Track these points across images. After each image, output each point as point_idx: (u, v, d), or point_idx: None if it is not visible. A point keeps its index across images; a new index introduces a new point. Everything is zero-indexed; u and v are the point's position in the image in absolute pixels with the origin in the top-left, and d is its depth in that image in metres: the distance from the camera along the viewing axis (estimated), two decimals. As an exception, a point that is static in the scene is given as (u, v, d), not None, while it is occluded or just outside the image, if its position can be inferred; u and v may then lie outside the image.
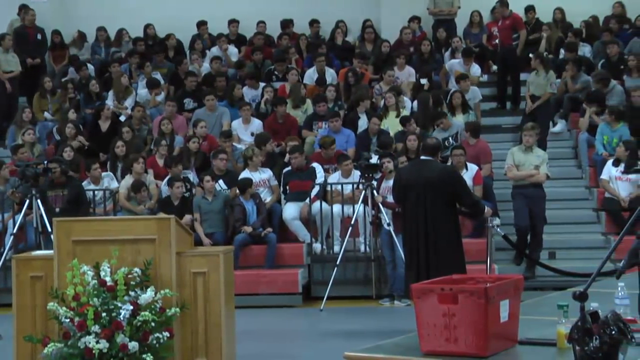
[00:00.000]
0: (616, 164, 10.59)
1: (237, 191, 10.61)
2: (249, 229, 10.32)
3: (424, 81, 13.17)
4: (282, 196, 11.01)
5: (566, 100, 12.81)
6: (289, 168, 11.06)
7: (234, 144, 11.90)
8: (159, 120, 12.34)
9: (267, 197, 10.84)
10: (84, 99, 13.76)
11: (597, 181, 11.16)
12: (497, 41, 14.21)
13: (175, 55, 15.01)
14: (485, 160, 11.10)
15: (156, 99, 13.49)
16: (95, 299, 5.40)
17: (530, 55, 13.39)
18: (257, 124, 12.38)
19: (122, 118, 13.18)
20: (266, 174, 11.01)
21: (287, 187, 10.94)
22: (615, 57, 13.40)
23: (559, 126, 12.92)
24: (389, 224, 9.51)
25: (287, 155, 11.27)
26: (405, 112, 12.29)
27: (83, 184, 11.02)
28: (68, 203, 10.20)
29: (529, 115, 12.38)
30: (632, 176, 10.42)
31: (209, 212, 10.50)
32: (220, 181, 10.90)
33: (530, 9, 14.89)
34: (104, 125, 12.71)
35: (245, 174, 10.92)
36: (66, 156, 11.37)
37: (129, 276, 5.51)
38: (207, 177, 10.56)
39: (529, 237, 10.20)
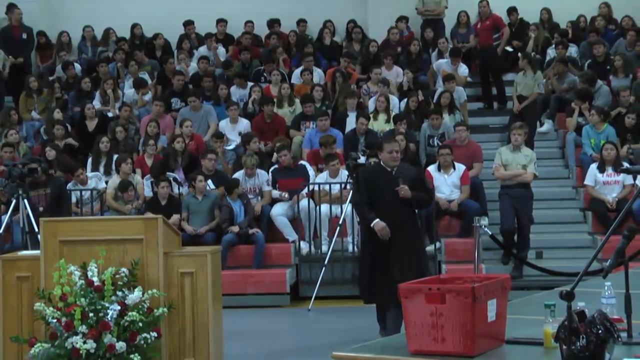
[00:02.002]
0: (602, 169, 10.61)
1: (224, 191, 10.60)
2: (235, 229, 10.32)
3: (405, 81, 13.22)
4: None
5: (553, 100, 12.85)
6: (276, 166, 11.06)
7: (224, 147, 11.90)
8: (146, 120, 12.32)
9: (255, 201, 10.81)
10: (75, 97, 13.72)
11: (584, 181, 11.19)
12: (474, 41, 14.21)
13: (163, 54, 14.98)
14: (478, 160, 11.14)
15: (144, 98, 13.46)
16: (82, 299, 5.38)
17: (519, 54, 13.45)
18: (244, 124, 12.38)
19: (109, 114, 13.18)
20: (259, 179, 10.93)
21: (277, 186, 10.93)
22: (602, 57, 13.46)
23: (546, 126, 12.96)
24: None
25: (275, 154, 11.26)
26: (394, 112, 12.31)
27: (70, 184, 10.99)
28: (51, 202, 10.13)
29: (517, 115, 12.40)
30: (620, 177, 10.46)
31: (198, 212, 10.49)
32: (209, 181, 10.89)
33: (512, 10, 14.90)
34: (91, 124, 12.68)
35: (238, 174, 10.90)
36: (47, 156, 11.30)
37: (117, 276, 5.50)
38: (200, 177, 10.54)
39: (515, 237, 10.21)
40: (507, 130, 11.45)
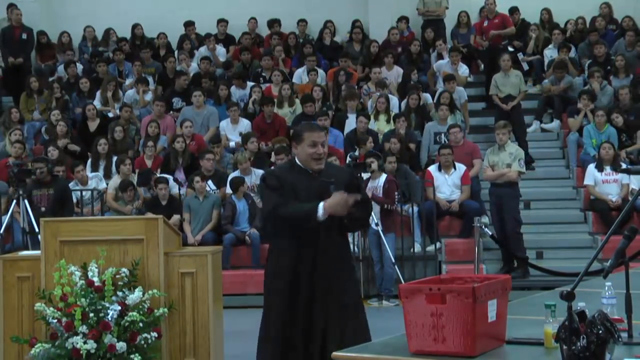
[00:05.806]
0: (600, 167, 10.60)
1: (230, 190, 10.60)
2: (232, 229, 10.34)
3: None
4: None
5: (558, 99, 12.83)
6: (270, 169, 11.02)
7: (224, 151, 11.90)
8: (147, 120, 12.32)
9: (257, 200, 10.83)
10: (77, 97, 13.72)
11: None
12: (481, 39, 14.15)
13: (165, 53, 14.98)
14: (477, 156, 11.12)
15: (145, 98, 13.46)
16: (82, 300, 5.38)
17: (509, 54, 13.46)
18: (245, 124, 12.38)
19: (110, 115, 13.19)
20: (256, 175, 10.96)
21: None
22: (602, 57, 13.46)
23: (554, 123, 12.91)
24: (377, 224, 9.51)
25: (274, 156, 11.24)
26: (394, 112, 12.32)
27: (70, 184, 10.98)
28: (54, 202, 10.14)
29: (505, 114, 12.25)
30: (619, 176, 10.47)
31: (199, 212, 10.49)
32: (209, 182, 10.89)
33: (514, 10, 14.88)
34: (93, 124, 12.68)
35: (236, 173, 10.90)
36: (50, 155, 11.32)
37: (117, 276, 5.49)
38: (197, 178, 10.56)
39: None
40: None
